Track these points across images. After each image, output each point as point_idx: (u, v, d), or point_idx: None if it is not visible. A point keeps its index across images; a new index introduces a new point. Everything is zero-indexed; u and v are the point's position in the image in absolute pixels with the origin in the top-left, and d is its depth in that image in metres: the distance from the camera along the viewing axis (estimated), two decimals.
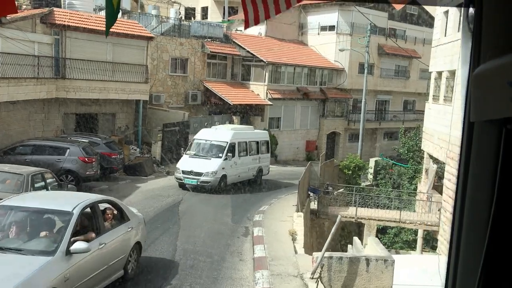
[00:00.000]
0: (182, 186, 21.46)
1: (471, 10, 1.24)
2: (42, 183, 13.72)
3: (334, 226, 11.02)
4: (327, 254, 10.55)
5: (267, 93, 33.93)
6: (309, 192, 20.89)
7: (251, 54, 34.10)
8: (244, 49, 34.39)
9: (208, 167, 21.19)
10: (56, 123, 24.62)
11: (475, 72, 1.13)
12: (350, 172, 25.45)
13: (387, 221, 21.02)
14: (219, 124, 31.06)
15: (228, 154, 21.80)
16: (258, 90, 34.24)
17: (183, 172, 21.28)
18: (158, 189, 21.36)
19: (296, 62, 35.53)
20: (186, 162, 21.81)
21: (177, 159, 27.85)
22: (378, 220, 21.05)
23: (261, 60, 33.74)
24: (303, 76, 36.16)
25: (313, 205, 21.94)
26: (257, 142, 24.52)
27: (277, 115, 35.34)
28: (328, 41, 37.73)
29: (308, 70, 36.29)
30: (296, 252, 13.17)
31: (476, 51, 1.18)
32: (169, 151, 27.53)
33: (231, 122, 31.81)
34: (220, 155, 21.76)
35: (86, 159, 18.92)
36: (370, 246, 14.00)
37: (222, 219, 16.79)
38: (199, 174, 21.03)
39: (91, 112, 26.24)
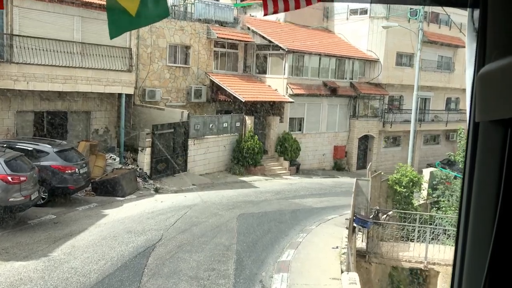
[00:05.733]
0: None
1: (477, 10, 1.18)
2: None
3: None
4: None
5: (287, 88, 26.26)
6: (354, 225, 13.10)
7: (268, 41, 26.49)
8: (259, 35, 26.79)
9: None
10: (5, 123, 17.33)
11: (480, 72, 1.07)
12: (403, 189, 17.66)
13: None
14: (227, 126, 23.56)
15: None
16: (276, 85, 26.61)
17: None
18: (131, 218, 13.81)
19: (322, 51, 27.78)
20: None
21: (173, 171, 20.39)
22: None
23: (280, 48, 26.09)
24: (330, 68, 28.38)
25: (359, 242, 14.12)
26: None
27: (299, 115, 27.61)
28: (359, 27, 29.89)
29: (336, 61, 28.51)
30: None
31: (481, 51, 1.12)
32: (162, 160, 20.02)
33: (243, 123, 24.24)
34: None
35: (10, 178, 11.47)
36: None
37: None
38: None
39: (57, 110, 18.88)
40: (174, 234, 12.59)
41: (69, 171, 14.15)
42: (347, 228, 13.51)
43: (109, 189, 16.40)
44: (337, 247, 12.05)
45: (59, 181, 14.00)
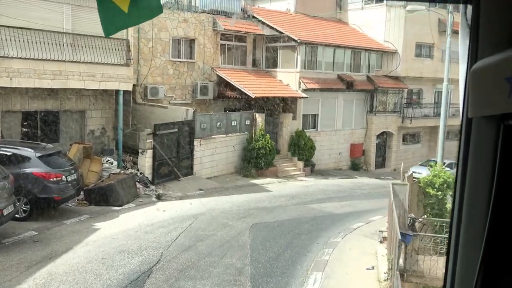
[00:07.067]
0: None
1: (469, 6, 1.16)
2: None
3: None
4: None
5: (299, 83, 23.94)
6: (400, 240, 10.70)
7: (278, 32, 24.18)
8: (268, 26, 24.50)
9: None
10: None
11: (473, 68, 1.06)
12: (438, 193, 15.32)
13: None
14: (236, 124, 21.34)
15: None
16: (287, 79, 24.31)
17: None
18: (126, 233, 11.60)
19: (336, 42, 25.42)
20: None
21: (177, 175, 18.18)
22: None
23: (292, 39, 23.78)
24: (345, 60, 26.00)
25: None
26: None
27: (313, 111, 25.27)
28: (375, 16, 27.48)
29: (351, 53, 26.12)
30: None
31: (474, 47, 1.11)
32: (165, 163, 17.80)
33: (254, 121, 21.99)
34: None
35: None
36: None
37: None
38: None
39: (48, 110, 16.74)
40: (175, 253, 10.35)
41: (54, 178, 11.96)
42: (380, 241, 11.20)
43: (104, 198, 14.21)
44: (373, 268, 9.75)
45: (43, 190, 11.81)
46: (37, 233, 11.11)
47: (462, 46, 1.24)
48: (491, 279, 1.02)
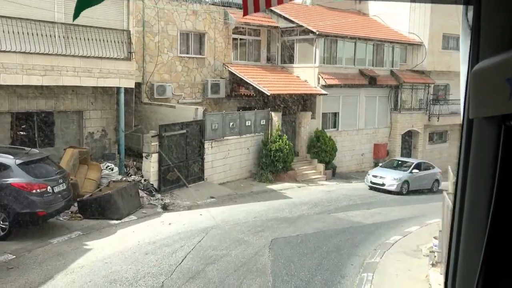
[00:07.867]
0: None
1: (470, 7, 1.16)
2: None
3: None
4: None
5: (318, 79, 21.73)
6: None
7: (295, 24, 22.01)
8: (284, 18, 22.36)
9: None
10: None
11: (474, 69, 1.04)
12: None
13: None
14: (250, 124, 19.25)
15: None
16: (305, 75, 22.12)
17: None
18: (123, 254, 9.52)
19: (357, 34, 23.14)
20: None
21: (186, 181, 16.10)
22: None
23: (310, 32, 21.58)
24: (367, 54, 23.71)
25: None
26: None
27: (333, 109, 23.03)
28: (398, 6, 25.15)
29: (374, 46, 23.83)
30: None
31: (475, 48, 1.09)
32: (172, 168, 15.72)
33: (270, 120, 19.84)
34: None
35: None
36: None
37: None
38: None
39: (42, 110, 14.76)
40: (180, 283, 8.23)
41: (38, 190, 9.94)
42: (432, 264, 8.95)
43: (101, 210, 12.16)
44: None
45: (24, 205, 9.80)
46: (14, 256, 9.10)
47: (463, 47, 1.22)
48: (492, 281, 0.99)
